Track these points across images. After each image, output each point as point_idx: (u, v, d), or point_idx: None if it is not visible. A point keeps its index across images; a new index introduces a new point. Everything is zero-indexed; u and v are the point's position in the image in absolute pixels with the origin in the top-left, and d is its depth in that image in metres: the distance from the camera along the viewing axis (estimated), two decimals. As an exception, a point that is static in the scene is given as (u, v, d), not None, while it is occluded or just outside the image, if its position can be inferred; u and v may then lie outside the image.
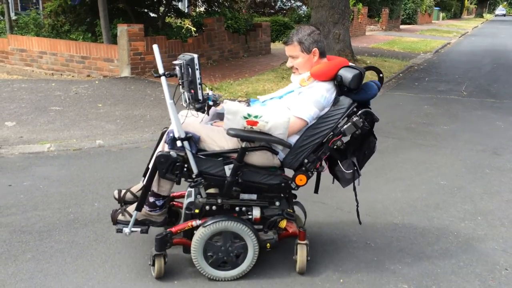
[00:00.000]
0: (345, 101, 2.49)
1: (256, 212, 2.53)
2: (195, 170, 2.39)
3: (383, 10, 23.52)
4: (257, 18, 15.36)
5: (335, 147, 2.48)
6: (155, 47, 2.32)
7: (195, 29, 11.42)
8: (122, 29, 8.06)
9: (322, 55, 2.63)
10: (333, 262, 2.75)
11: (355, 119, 2.43)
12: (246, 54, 11.73)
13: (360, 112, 2.46)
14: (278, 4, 19.36)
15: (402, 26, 26.38)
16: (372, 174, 4.17)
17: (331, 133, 2.47)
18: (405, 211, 3.47)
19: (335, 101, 2.50)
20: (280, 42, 15.58)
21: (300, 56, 2.59)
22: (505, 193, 3.86)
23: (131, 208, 2.55)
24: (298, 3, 18.75)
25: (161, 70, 2.31)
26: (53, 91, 6.97)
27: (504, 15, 70.89)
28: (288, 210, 2.57)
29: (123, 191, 2.78)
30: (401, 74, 10.20)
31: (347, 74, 2.43)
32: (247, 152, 2.40)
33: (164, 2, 11.51)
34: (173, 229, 2.48)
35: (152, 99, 6.72)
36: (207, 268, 2.47)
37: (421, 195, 3.77)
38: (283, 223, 2.56)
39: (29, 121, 5.48)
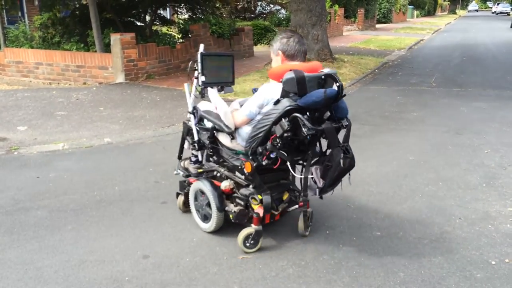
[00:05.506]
0: (284, 103, 2.55)
1: (225, 184, 2.97)
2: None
3: (358, 10, 24.42)
4: (239, 22, 15.97)
5: (276, 144, 2.61)
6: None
7: (180, 36, 12.00)
8: (115, 38, 8.59)
9: (289, 57, 2.87)
10: (321, 219, 3.36)
11: (282, 121, 2.51)
12: (231, 57, 12.30)
13: (291, 116, 2.51)
14: (258, 9, 20.02)
15: (377, 25, 27.35)
16: (351, 154, 4.83)
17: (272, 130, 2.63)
18: (379, 180, 4.12)
19: (276, 101, 2.62)
20: (262, 45, 16.25)
21: (271, 57, 3.01)
22: (463, 164, 4.55)
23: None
24: (277, 7, 19.43)
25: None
26: (55, 98, 7.47)
27: (477, 10, 73.01)
28: (257, 196, 2.81)
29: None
30: (376, 70, 10.93)
31: (285, 77, 2.53)
32: (215, 131, 3.04)
33: (150, 11, 12.07)
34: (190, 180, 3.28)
35: (148, 101, 7.27)
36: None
37: (393, 168, 4.43)
38: (255, 206, 2.82)
39: (39, 125, 5.99)
